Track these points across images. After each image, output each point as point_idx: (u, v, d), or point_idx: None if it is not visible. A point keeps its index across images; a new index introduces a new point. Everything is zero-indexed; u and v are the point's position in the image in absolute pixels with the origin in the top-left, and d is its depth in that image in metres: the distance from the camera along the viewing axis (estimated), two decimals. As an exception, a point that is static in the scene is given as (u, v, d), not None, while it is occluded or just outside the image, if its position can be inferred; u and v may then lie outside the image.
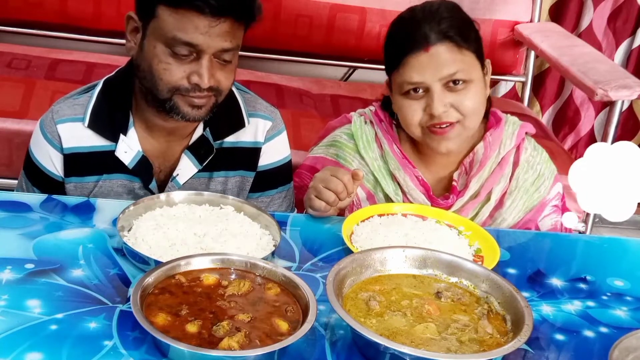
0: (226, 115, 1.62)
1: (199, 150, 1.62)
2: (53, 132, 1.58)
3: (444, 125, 1.56)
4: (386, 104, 1.71)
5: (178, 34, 1.43)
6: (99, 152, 1.59)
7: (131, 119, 1.58)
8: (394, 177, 1.68)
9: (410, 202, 1.65)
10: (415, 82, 1.54)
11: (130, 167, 1.59)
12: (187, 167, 1.62)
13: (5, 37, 2.76)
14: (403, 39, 1.57)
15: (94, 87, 1.62)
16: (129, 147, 1.58)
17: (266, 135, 1.69)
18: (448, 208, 1.65)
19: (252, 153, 1.69)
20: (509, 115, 1.74)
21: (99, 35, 2.75)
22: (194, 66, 1.46)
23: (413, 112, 1.58)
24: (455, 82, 1.54)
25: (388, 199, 1.68)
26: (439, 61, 1.53)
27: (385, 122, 1.71)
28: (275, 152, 1.72)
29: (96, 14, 2.70)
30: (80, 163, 1.59)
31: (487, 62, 1.63)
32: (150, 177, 1.61)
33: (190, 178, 1.63)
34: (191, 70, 1.46)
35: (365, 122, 1.72)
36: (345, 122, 1.77)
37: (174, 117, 1.51)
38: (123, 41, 1.57)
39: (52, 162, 1.60)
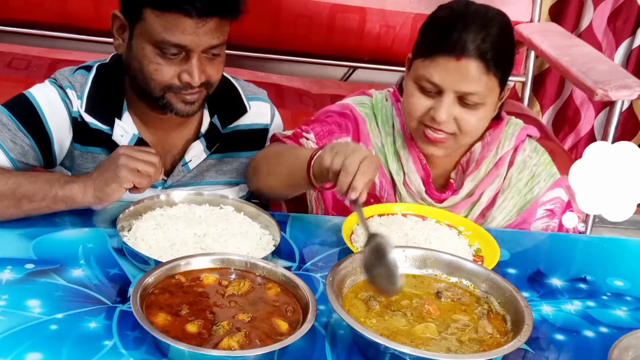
0: (229, 102, 1.67)
1: (208, 138, 1.65)
2: (66, 88, 1.56)
3: (439, 134, 1.55)
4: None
5: (166, 37, 1.43)
6: (99, 130, 1.58)
7: (125, 104, 1.59)
8: (398, 157, 1.68)
9: (409, 187, 1.65)
10: (434, 82, 1.52)
11: None
12: (198, 154, 1.64)
13: (5, 37, 2.76)
14: (442, 36, 1.52)
15: (87, 69, 1.61)
16: (124, 131, 1.59)
17: (270, 116, 1.74)
18: (441, 201, 1.65)
19: (260, 134, 1.72)
20: (512, 117, 1.72)
21: (99, 35, 2.74)
22: (184, 65, 1.47)
23: (419, 106, 1.56)
24: (468, 99, 1.53)
25: (391, 176, 1.68)
26: (463, 74, 1.50)
27: (401, 103, 1.70)
28: (279, 130, 1.76)
29: (96, 14, 2.70)
30: (83, 132, 1.58)
31: (507, 88, 1.60)
32: None
33: (199, 163, 1.66)
34: (181, 69, 1.47)
35: (386, 100, 1.72)
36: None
37: (167, 113, 1.53)
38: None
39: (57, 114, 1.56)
